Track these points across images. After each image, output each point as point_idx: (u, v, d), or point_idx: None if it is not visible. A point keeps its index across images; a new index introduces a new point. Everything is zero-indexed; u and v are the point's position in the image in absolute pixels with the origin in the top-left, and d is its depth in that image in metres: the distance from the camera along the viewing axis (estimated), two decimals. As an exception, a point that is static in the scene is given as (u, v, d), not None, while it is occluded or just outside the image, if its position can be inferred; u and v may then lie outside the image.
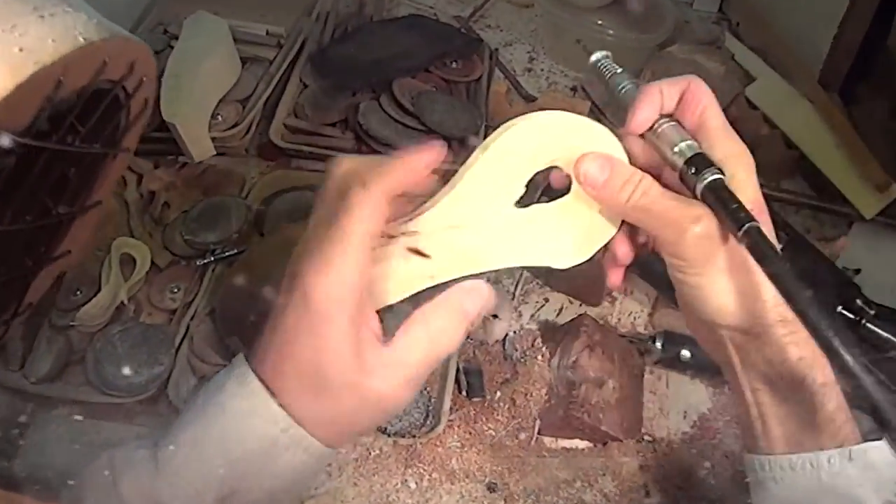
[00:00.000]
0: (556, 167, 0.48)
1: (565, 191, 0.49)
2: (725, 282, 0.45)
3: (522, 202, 0.48)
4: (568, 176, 0.48)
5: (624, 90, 0.51)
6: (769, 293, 0.44)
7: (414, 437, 0.76)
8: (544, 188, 0.50)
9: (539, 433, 0.79)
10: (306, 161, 1.03)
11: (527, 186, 0.48)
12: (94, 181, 0.63)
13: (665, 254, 0.47)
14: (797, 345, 0.45)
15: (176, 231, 0.91)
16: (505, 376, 0.83)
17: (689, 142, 0.46)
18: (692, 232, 0.44)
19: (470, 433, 0.79)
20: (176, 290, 0.87)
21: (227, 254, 0.89)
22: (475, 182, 0.46)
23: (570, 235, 0.49)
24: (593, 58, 0.52)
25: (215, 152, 1.00)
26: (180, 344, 0.81)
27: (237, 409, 0.43)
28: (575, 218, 0.49)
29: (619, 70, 0.52)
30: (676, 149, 0.46)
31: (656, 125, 0.48)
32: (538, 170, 0.47)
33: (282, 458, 0.43)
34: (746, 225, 0.42)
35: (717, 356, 0.50)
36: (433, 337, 0.44)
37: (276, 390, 0.43)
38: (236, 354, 0.76)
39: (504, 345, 0.86)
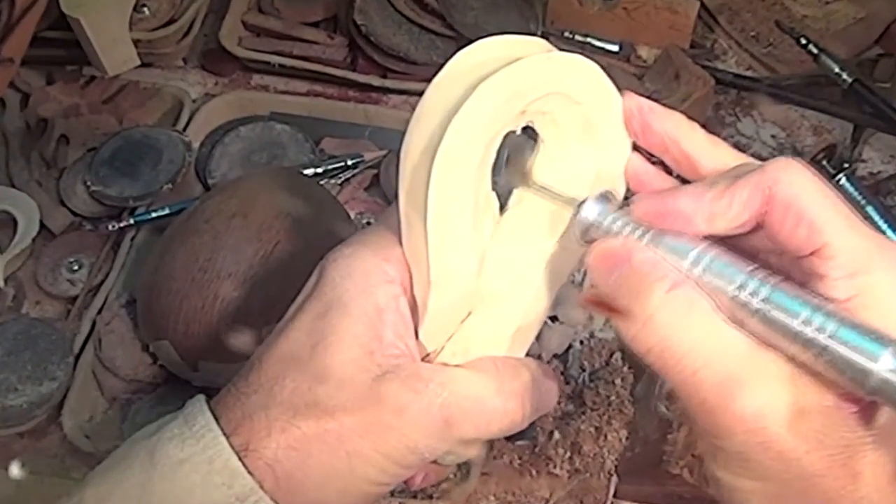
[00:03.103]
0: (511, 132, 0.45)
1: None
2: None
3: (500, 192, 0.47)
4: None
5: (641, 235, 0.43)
6: None
7: (431, 497, 0.74)
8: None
9: (615, 497, 0.77)
10: (274, 78, 1.01)
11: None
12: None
13: (699, 433, 0.41)
14: None
15: (78, 179, 0.88)
16: (566, 409, 0.81)
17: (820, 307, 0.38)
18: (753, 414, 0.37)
19: (514, 493, 0.76)
20: (77, 268, 0.85)
21: (154, 215, 0.86)
22: (444, 236, 0.43)
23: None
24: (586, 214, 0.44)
25: (139, 62, 0.96)
26: (82, 349, 0.79)
27: (173, 457, 0.43)
28: (571, 163, 0.46)
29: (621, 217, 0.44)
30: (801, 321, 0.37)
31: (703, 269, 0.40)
32: (498, 145, 0.44)
33: None
34: None
35: None
36: (502, 389, 0.45)
37: (246, 433, 0.43)
38: (166, 364, 0.81)
39: (566, 362, 0.83)
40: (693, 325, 0.38)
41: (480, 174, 0.43)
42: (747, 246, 0.42)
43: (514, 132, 0.44)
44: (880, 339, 0.35)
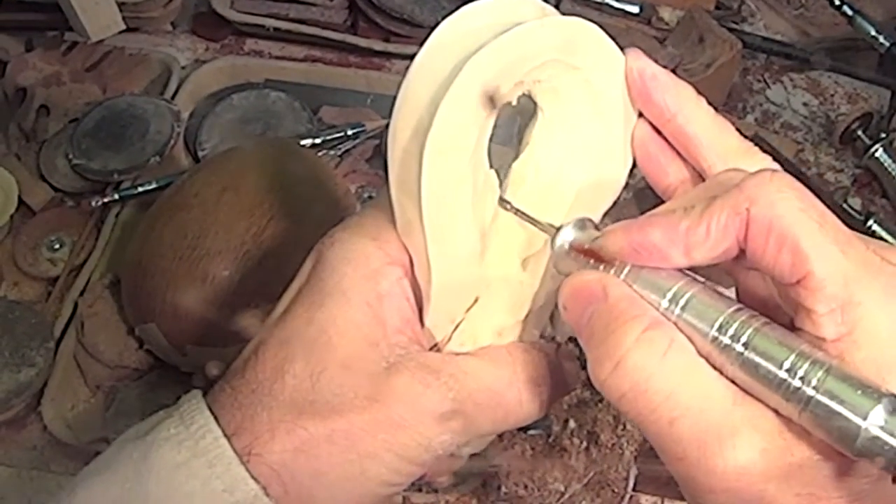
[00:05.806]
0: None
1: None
2: None
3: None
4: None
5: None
6: None
7: (435, 491, 0.75)
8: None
9: (635, 489, 0.77)
10: (269, 42, 1.02)
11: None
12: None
13: (682, 490, 0.39)
14: None
15: (59, 152, 0.89)
16: (582, 395, 0.80)
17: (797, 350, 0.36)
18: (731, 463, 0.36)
19: (526, 486, 0.76)
20: (58, 247, 0.86)
21: (140, 189, 0.86)
22: (442, 225, 0.42)
23: (586, 162, 0.47)
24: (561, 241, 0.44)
25: (124, 26, 0.98)
26: (63, 333, 0.80)
27: (169, 461, 0.42)
28: (572, 133, 0.46)
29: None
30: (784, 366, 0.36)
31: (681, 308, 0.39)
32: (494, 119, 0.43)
33: None
34: None
35: None
36: (516, 378, 0.45)
37: (248, 435, 0.43)
38: (153, 349, 0.80)
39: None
40: (670, 370, 0.37)
41: (477, 156, 0.42)
42: (743, 267, 0.40)
43: (509, 104, 0.43)
44: (871, 392, 0.34)
